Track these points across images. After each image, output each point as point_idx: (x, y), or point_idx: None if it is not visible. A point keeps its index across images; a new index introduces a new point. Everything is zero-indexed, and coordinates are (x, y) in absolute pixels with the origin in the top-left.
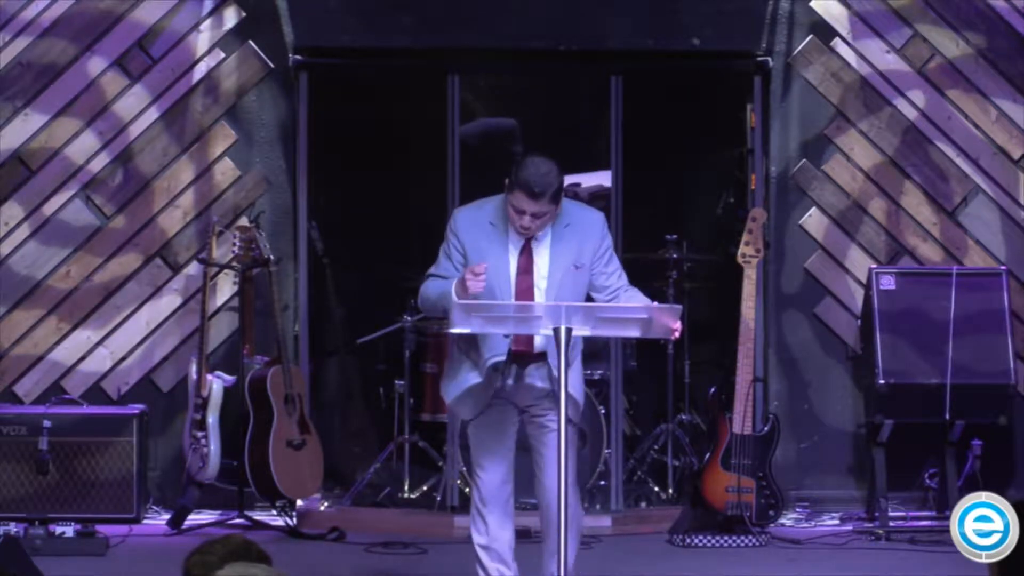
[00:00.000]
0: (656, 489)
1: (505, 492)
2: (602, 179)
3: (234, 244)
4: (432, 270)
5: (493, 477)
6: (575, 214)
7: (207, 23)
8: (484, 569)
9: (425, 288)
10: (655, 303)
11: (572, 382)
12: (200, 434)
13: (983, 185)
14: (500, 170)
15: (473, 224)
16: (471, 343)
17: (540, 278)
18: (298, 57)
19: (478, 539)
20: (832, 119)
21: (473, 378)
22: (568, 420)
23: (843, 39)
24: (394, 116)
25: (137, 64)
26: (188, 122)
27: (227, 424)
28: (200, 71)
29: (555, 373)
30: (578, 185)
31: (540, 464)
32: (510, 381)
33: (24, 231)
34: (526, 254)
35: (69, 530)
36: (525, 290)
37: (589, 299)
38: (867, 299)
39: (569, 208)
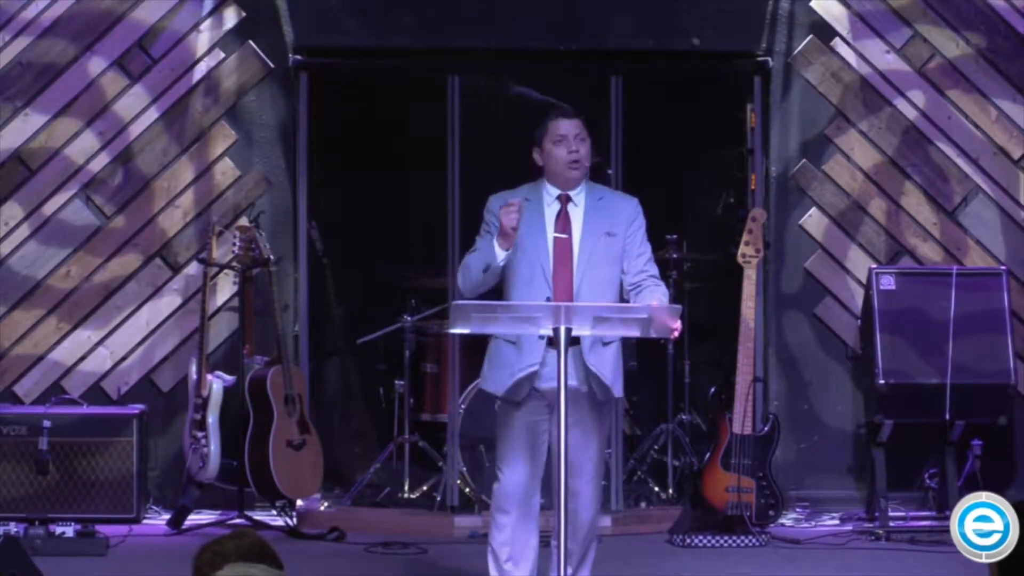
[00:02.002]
0: (656, 489)
1: (524, 492)
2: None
3: (234, 244)
4: (469, 252)
5: (514, 478)
6: (610, 192)
7: (207, 23)
8: (497, 569)
9: (464, 264)
10: (655, 303)
11: (605, 364)
12: (200, 434)
13: (983, 185)
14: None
15: (508, 200)
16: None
17: (575, 243)
18: (298, 57)
19: (495, 537)
20: (832, 119)
21: (516, 361)
22: (594, 399)
23: (843, 39)
24: (394, 116)
25: (137, 64)
26: (188, 122)
27: (227, 424)
28: (200, 71)
29: (585, 359)
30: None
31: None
32: (545, 368)
33: (24, 231)
34: (563, 218)
35: (69, 530)
36: (563, 252)
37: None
38: (867, 299)
39: (604, 188)
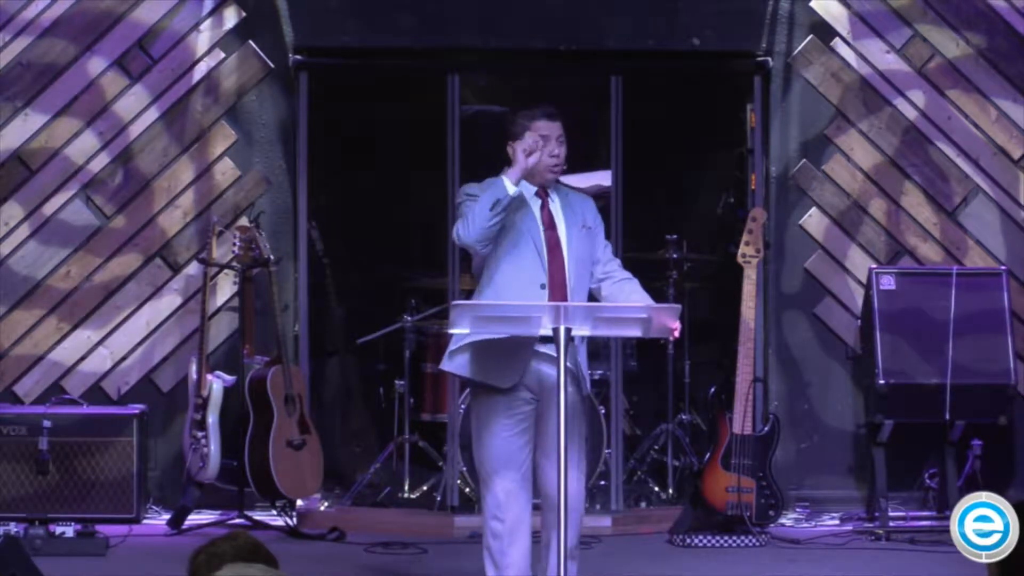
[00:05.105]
0: (656, 489)
1: (517, 497)
2: (602, 179)
3: (234, 244)
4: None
5: (506, 485)
6: (569, 191)
7: (207, 23)
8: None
9: (465, 215)
10: (654, 303)
11: (581, 359)
12: (200, 434)
13: (983, 185)
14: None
15: (485, 189)
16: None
17: (561, 236)
18: (298, 57)
19: (492, 544)
20: (832, 119)
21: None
22: (578, 396)
23: (843, 39)
24: (394, 116)
25: (137, 64)
26: (188, 122)
27: (227, 424)
28: (200, 71)
29: (576, 351)
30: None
31: (543, 448)
32: (535, 365)
33: (24, 231)
34: (546, 211)
35: (69, 530)
36: (554, 244)
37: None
38: (867, 299)
39: (563, 187)
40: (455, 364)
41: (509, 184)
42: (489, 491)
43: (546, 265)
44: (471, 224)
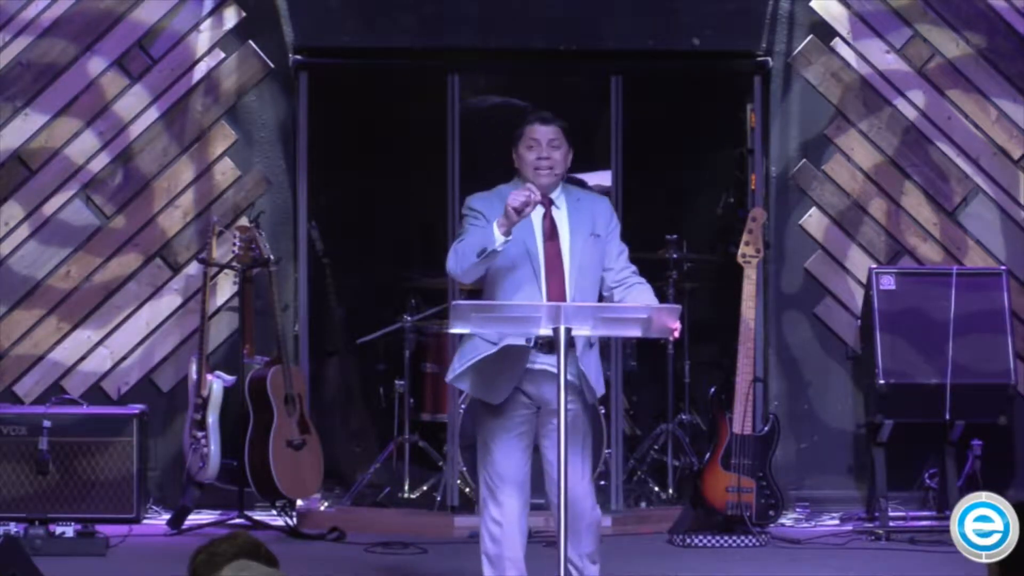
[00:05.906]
0: (656, 489)
1: (519, 503)
2: (602, 179)
3: (234, 244)
4: (456, 242)
5: (510, 490)
6: (584, 192)
7: (207, 23)
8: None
9: (459, 247)
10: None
11: (590, 366)
12: (200, 434)
13: (983, 185)
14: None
15: (490, 202)
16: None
17: (564, 247)
18: (298, 57)
19: (490, 547)
20: (832, 119)
21: (492, 349)
22: (581, 405)
23: (843, 39)
24: (394, 116)
25: (137, 64)
26: (188, 122)
27: (227, 424)
28: (200, 71)
29: (579, 360)
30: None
31: (548, 457)
32: (536, 363)
33: (24, 231)
34: (548, 220)
35: (69, 530)
36: (554, 256)
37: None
38: (867, 299)
39: (577, 189)
40: (457, 380)
41: (498, 234)
42: (489, 496)
43: (543, 282)
44: (460, 260)
